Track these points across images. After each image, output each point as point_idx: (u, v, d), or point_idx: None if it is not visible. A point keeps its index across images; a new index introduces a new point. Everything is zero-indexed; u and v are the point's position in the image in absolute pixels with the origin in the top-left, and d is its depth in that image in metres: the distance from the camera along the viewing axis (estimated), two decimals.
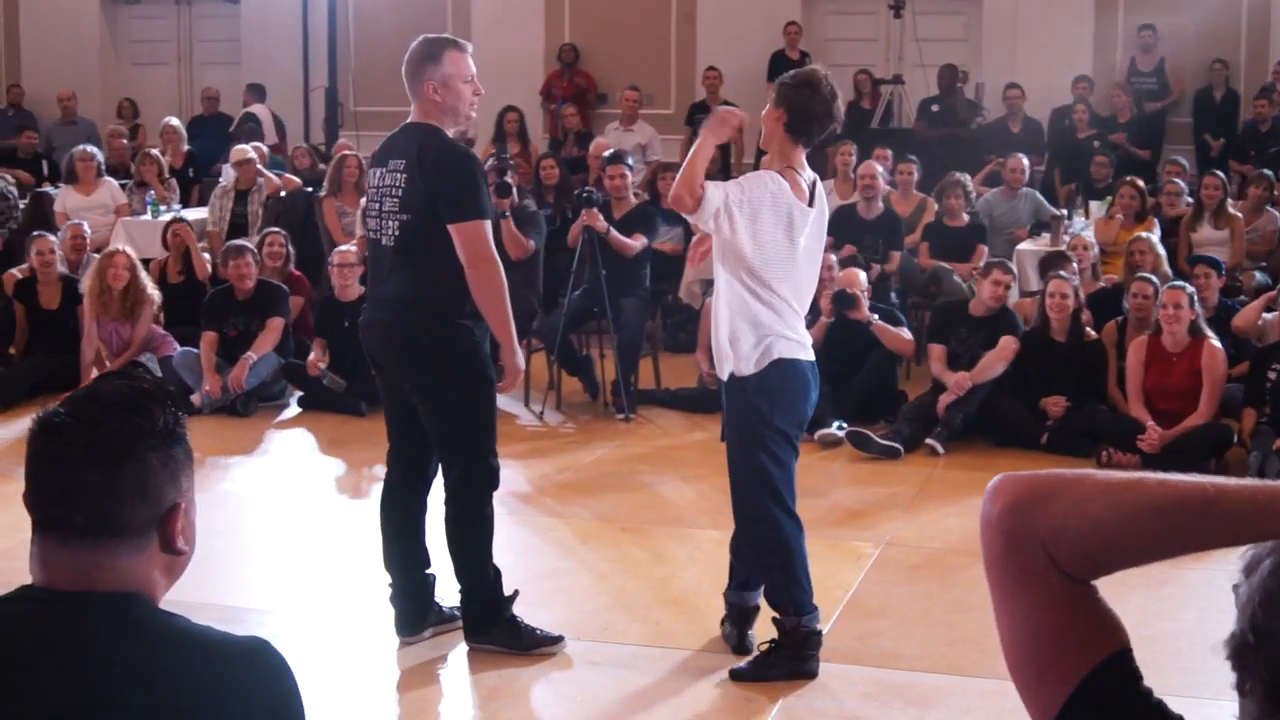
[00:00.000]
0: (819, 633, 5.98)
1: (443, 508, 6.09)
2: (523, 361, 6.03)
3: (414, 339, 5.89)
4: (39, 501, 2.32)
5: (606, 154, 11.71)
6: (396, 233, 5.89)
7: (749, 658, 6.00)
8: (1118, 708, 1.87)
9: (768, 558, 5.89)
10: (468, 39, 18.11)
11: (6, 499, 8.51)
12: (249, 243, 11.49)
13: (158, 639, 2.34)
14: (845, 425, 9.70)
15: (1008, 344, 9.86)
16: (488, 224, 5.82)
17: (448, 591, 6.35)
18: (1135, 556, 1.86)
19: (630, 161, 11.33)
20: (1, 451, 9.67)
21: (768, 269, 5.60)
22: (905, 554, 7.52)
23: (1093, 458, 9.25)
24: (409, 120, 6.05)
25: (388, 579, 6.26)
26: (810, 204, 5.66)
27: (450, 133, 6.02)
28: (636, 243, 10.61)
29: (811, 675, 5.90)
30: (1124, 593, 1.95)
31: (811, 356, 5.85)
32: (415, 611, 6.28)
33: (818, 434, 9.68)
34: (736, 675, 5.92)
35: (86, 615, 2.30)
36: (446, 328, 5.86)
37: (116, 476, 2.31)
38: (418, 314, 5.89)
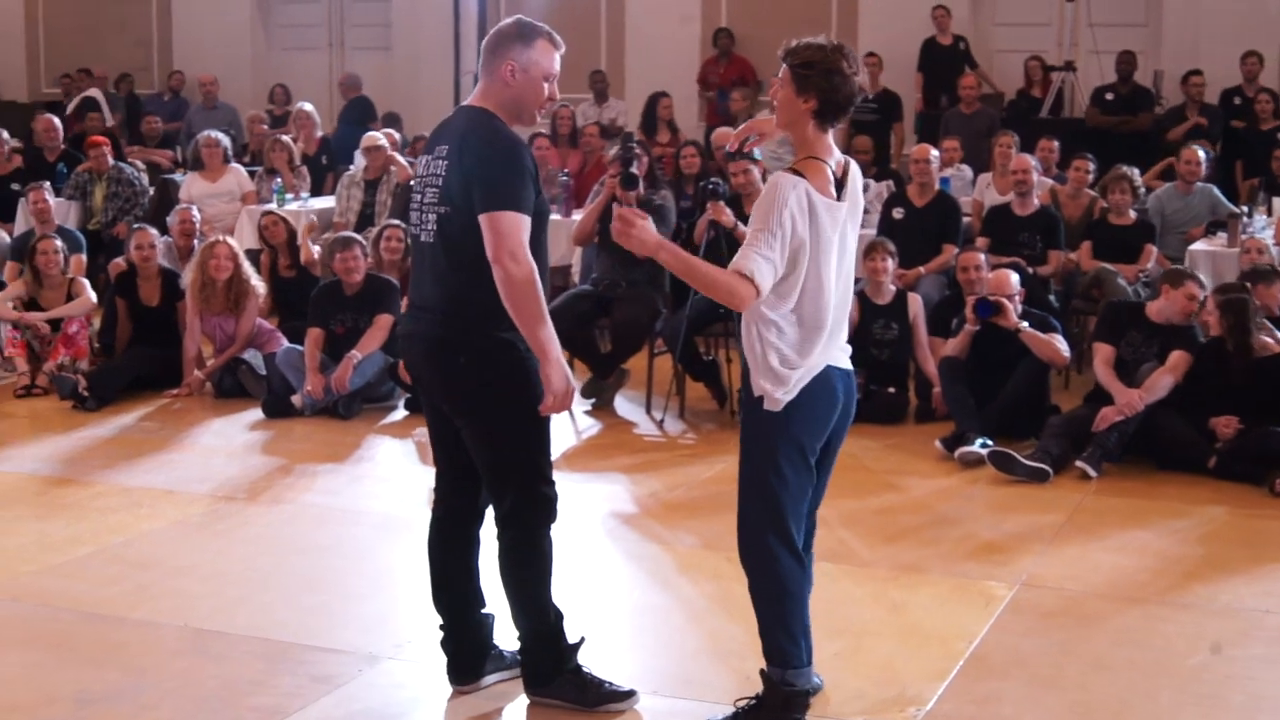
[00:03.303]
0: (805, 694, 5.21)
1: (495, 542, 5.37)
2: (565, 379, 5.09)
3: (452, 353, 5.16)
4: None
5: (728, 148, 10.90)
6: (435, 227, 5.17)
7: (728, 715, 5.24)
8: None
9: (761, 593, 5.15)
10: (621, 24, 17.99)
11: (79, 508, 8.02)
12: (358, 235, 10.86)
13: None
14: (989, 443, 8.84)
15: (1180, 360, 8.91)
16: (521, 218, 5.03)
17: (506, 634, 5.64)
18: None
19: (759, 154, 10.52)
20: (89, 452, 9.15)
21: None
22: (1042, 597, 6.66)
23: (1265, 485, 8.30)
24: (465, 102, 5.34)
25: (438, 621, 5.56)
26: (839, 196, 5.00)
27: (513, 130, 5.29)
28: None
29: None
30: None
31: (846, 365, 5.19)
32: (470, 657, 5.56)
33: (958, 452, 8.86)
34: None
35: None
36: (488, 341, 5.11)
37: None
38: (457, 324, 5.15)
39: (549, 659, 5.41)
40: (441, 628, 5.55)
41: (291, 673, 5.75)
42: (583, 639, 5.48)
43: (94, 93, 19.72)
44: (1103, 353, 9.16)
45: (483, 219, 5.00)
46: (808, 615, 5.18)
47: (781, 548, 5.07)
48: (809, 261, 4.91)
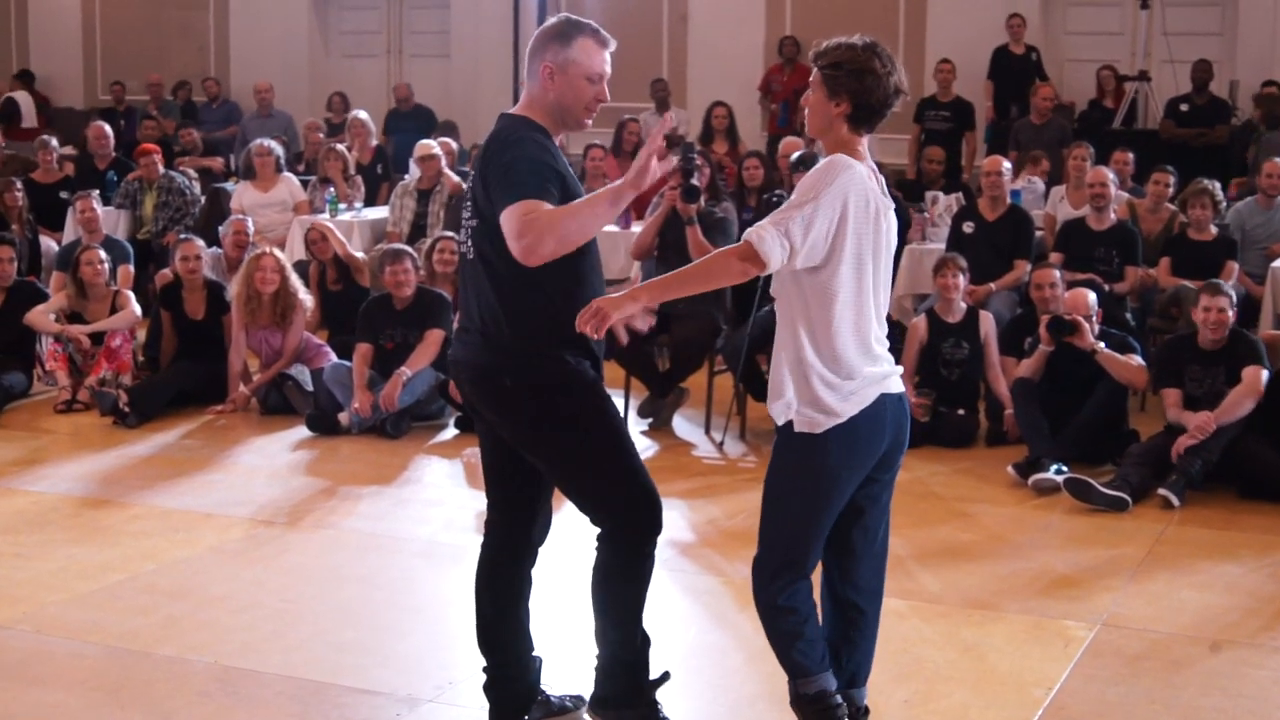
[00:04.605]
0: (825, 693, 4.81)
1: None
2: (636, 169, 4.64)
3: (498, 376, 4.80)
4: None
5: (793, 158, 10.57)
6: (471, 243, 4.83)
7: None
8: None
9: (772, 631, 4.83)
10: (684, 31, 17.62)
11: (113, 531, 7.69)
12: (409, 247, 10.52)
13: None
14: (1065, 469, 8.43)
15: (1254, 376, 8.49)
16: (533, 203, 4.56)
17: (554, 677, 5.29)
18: None
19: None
20: (128, 471, 8.85)
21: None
22: (1125, 639, 6.24)
23: None
24: (509, 110, 4.98)
25: (483, 663, 5.20)
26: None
27: (559, 139, 4.91)
28: None
29: None
30: None
31: (898, 389, 4.83)
32: (515, 703, 5.19)
33: (1032, 479, 8.45)
34: None
35: None
36: (535, 360, 4.73)
37: None
38: (499, 345, 4.79)
39: (625, 688, 5.06)
40: (486, 670, 5.19)
41: (324, 716, 5.40)
42: (666, 675, 5.14)
43: (18, 95, 19.82)
44: (1171, 398, 8.71)
45: (501, 219, 4.62)
46: (815, 627, 4.81)
47: (794, 587, 4.72)
48: (854, 256, 4.54)
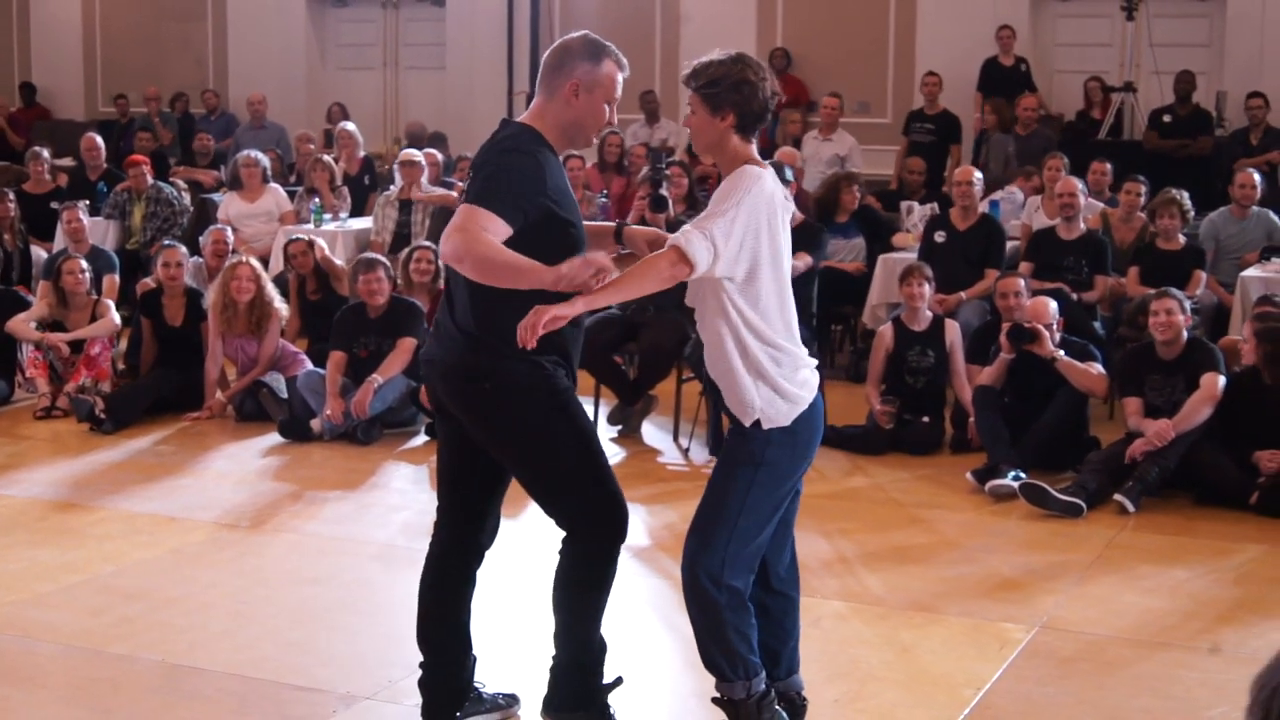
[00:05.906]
0: (770, 687, 4.94)
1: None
2: (570, 263, 4.49)
3: (473, 379, 4.86)
4: None
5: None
6: None
7: None
8: None
9: (709, 626, 4.87)
10: (676, 43, 17.69)
11: (77, 534, 7.81)
12: (381, 257, 10.63)
13: None
14: (1022, 475, 8.51)
15: (1211, 382, 8.58)
16: (487, 214, 4.59)
17: (490, 675, 5.40)
18: None
19: (789, 175, 10.24)
20: (99, 476, 8.96)
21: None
22: (1061, 641, 6.33)
23: None
24: (517, 118, 5.03)
25: (420, 658, 5.29)
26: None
27: (561, 156, 4.99)
28: (799, 262, 9.52)
29: None
30: None
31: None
32: (448, 699, 5.28)
33: (988, 485, 8.54)
34: None
35: None
36: (512, 364, 4.77)
37: None
38: (483, 349, 4.84)
39: (579, 691, 5.14)
40: (422, 665, 5.28)
41: (263, 713, 5.50)
42: (619, 680, 5.22)
43: None
44: (1131, 406, 8.82)
45: (457, 210, 4.71)
46: (753, 626, 4.91)
47: (742, 586, 4.81)
48: (771, 258, 4.65)
